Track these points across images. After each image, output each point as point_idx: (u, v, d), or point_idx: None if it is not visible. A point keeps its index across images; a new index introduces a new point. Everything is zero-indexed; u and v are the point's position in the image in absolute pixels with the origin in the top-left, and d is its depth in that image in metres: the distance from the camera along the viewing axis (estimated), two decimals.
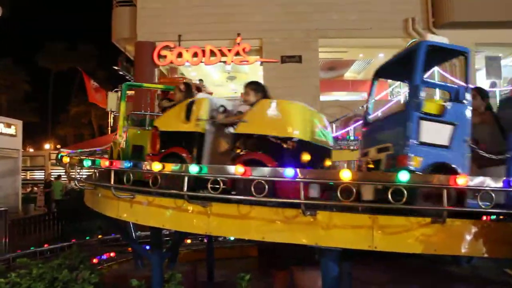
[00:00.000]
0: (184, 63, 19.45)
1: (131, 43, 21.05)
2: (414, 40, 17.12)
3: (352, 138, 13.53)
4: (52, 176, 25.85)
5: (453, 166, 5.10)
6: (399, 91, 17.11)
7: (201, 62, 19.08)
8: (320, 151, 6.08)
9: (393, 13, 18.55)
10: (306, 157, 5.56)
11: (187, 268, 9.28)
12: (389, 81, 20.41)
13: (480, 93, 6.24)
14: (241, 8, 19.18)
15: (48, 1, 60.18)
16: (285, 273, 9.01)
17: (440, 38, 5.67)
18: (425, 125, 5.21)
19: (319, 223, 4.74)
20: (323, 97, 18.96)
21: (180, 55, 19.19)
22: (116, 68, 23.53)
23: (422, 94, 5.23)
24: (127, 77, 23.18)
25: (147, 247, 8.62)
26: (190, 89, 7.28)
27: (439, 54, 5.74)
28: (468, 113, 5.36)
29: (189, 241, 12.48)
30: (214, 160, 6.12)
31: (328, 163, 6.30)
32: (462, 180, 4.28)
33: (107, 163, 6.29)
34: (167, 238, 11.57)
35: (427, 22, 18.76)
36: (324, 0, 18.78)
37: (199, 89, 11.60)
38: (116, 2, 21.95)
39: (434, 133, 5.24)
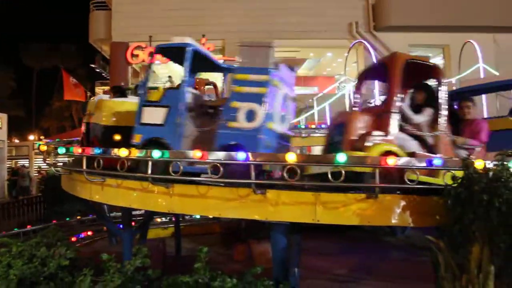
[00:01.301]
0: (154, 61, 19.06)
1: (107, 43, 20.76)
2: (357, 41, 17.36)
3: (303, 126, 13.57)
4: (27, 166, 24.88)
5: (166, 140, 5.90)
6: (345, 85, 17.28)
7: (170, 60, 18.76)
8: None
9: (339, 18, 18.72)
10: (117, 137, 6.92)
11: (157, 244, 9.19)
12: (336, 76, 20.68)
13: None
14: (206, 12, 19.09)
15: (33, 4, 58.20)
16: (244, 246, 9.03)
17: (180, 38, 6.51)
18: (145, 110, 6.17)
19: (268, 200, 4.72)
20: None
21: (151, 54, 18.83)
22: (93, 66, 23.06)
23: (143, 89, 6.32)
24: (103, 74, 22.76)
25: (121, 226, 8.47)
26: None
27: (172, 52, 6.76)
28: (183, 97, 6.03)
29: (159, 220, 12.32)
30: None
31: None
32: (391, 161, 4.32)
33: (79, 150, 6.11)
34: (140, 218, 11.42)
35: (368, 25, 19.01)
36: (281, 5, 18.81)
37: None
38: (93, 6, 21.62)
39: (153, 115, 6.09)
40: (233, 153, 4.65)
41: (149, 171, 5.12)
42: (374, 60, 15.70)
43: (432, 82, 5.92)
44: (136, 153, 5.28)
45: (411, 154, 5.08)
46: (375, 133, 5.21)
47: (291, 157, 4.35)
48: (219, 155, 4.75)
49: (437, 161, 4.51)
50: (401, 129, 5.45)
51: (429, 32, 18.76)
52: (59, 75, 46.08)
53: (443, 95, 5.58)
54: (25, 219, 15.51)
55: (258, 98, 5.55)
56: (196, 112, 6.38)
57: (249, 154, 4.55)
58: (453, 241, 4.56)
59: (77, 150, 6.16)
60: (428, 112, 5.65)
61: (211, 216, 9.33)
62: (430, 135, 5.47)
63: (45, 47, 49.60)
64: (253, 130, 5.46)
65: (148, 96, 6.24)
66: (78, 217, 13.24)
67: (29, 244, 6.37)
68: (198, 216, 11.63)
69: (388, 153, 4.89)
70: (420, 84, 6.06)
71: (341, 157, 4.35)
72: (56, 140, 11.93)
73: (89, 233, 11.48)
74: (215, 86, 8.42)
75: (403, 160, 4.48)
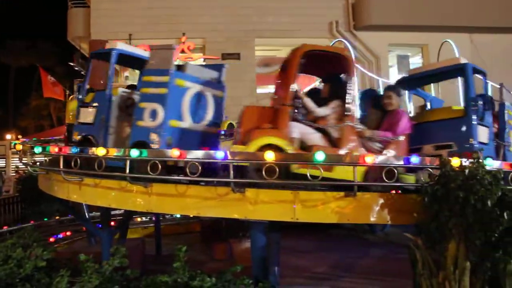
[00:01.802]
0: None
1: (85, 41, 20.37)
2: (337, 40, 17.44)
3: None
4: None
5: (94, 138, 6.38)
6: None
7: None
8: None
9: (320, 17, 18.74)
10: None
11: (137, 243, 9.09)
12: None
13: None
14: (186, 11, 18.92)
15: (9, 1, 56.95)
16: (225, 245, 9.01)
17: (112, 44, 7.08)
18: (81, 111, 6.77)
19: (247, 199, 4.71)
20: (259, 90, 18.98)
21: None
22: (72, 64, 22.71)
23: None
24: (82, 73, 22.44)
25: (100, 226, 8.38)
26: None
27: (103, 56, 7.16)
28: (108, 97, 6.51)
29: (139, 219, 12.20)
30: None
31: None
32: (369, 159, 4.35)
33: (56, 149, 6.02)
34: (120, 217, 11.29)
35: (348, 25, 19.04)
36: (261, 4, 18.75)
37: None
38: (71, 4, 21.29)
39: (86, 115, 6.67)
40: (211, 152, 4.63)
41: (127, 171, 5.06)
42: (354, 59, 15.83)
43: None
44: (113, 152, 5.22)
45: (310, 148, 5.13)
46: (264, 126, 5.28)
47: (269, 156, 4.34)
48: (198, 154, 4.72)
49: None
50: (303, 121, 5.46)
51: (408, 32, 18.89)
52: (37, 73, 45.43)
53: (351, 86, 5.58)
54: (1, 220, 15.19)
55: (159, 98, 5.84)
56: (127, 111, 6.66)
57: (228, 153, 4.54)
58: (430, 238, 4.61)
59: (53, 149, 6.06)
60: (333, 105, 5.59)
61: (191, 215, 9.28)
62: (334, 127, 5.45)
63: (23, 45, 48.63)
64: (154, 128, 5.77)
65: (85, 97, 6.86)
66: (57, 217, 13.03)
67: (5, 245, 6.24)
68: (178, 215, 11.55)
69: (268, 146, 4.99)
70: (327, 76, 6.14)
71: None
72: (33, 139, 11.73)
73: (68, 233, 11.30)
74: None
75: (381, 159, 4.51)
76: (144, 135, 5.79)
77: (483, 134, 5.80)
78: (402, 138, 5.64)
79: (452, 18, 18.74)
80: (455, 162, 4.63)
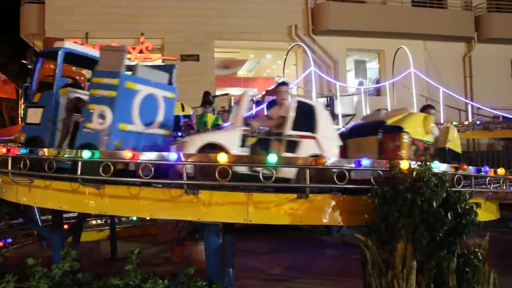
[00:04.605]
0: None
1: (40, 38, 19.65)
2: (296, 43, 17.70)
3: None
4: None
5: (41, 138, 6.36)
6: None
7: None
8: None
9: (279, 20, 18.86)
10: None
11: (91, 247, 8.90)
12: (276, 78, 20.88)
13: None
14: (145, 10, 18.60)
15: None
16: (181, 247, 8.94)
17: (60, 43, 7.03)
18: (29, 111, 6.73)
19: (201, 201, 4.71)
20: (218, 92, 18.93)
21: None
22: (24, 62, 21.93)
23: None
24: None
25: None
26: None
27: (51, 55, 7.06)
28: (54, 97, 6.45)
29: (94, 222, 11.93)
30: None
31: None
32: (321, 161, 4.44)
33: (4, 149, 5.82)
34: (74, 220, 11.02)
35: (307, 29, 19.27)
36: (221, 6, 18.68)
37: None
38: None
39: (33, 115, 6.60)
40: (165, 153, 4.61)
41: (79, 172, 4.96)
42: (312, 63, 16.14)
43: None
44: (65, 154, 5.10)
45: None
46: None
47: (222, 158, 4.36)
48: (151, 156, 4.68)
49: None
50: None
51: (365, 38, 19.37)
52: None
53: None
54: None
55: (108, 101, 5.80)
56: (75, 111, 6.53)
57: (181, 154, 4.52)
58: (380, 239, 4.75)
59: (1, 150, 5.86)
60: None
61: (148, 218, 9.18)
62: None
63: None
64: (101, 131, 5.74)
65: (33, 97, 6.77)
66: (7, 221, 12.57)
67: None
68: (135, 218, 11.37)
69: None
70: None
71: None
72: None
73: (18, 237, 10.91)
74: None
75: (332, 160, 4.61)
76: (92, 137, 5.72)
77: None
78: None
79: (407, 25, 19.39)
80: (404, 164, 4.80)
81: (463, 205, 4.55)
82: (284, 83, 6.68)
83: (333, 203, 4.79)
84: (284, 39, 18.89)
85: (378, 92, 19.53)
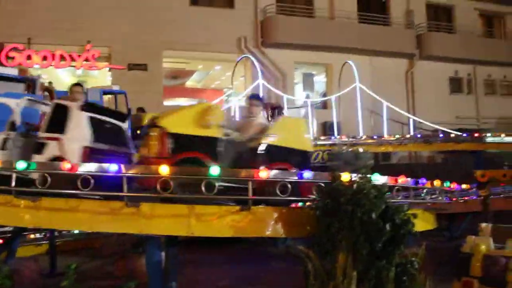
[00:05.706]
0: (33, 65, 17.77)
1: None
2: (244, 56, 17.82)
3: None
4: None
5: None
6: (230, 99, 17.60)
7: (51, 65, 17.63)
8: None
9: (229, 32, 18.90)
10: None
11: (29, 262, 8.51)
12: (224, 89, 20.89)
13: None
14: (93, 16, 18.06)
15: None
16: (124, 261, 8.72)
17: None
18: None
19: (142, 213, 4.60)
20: (166, 102, 18.69)
21: (29, 57, 17.49)
22: None
23: None
24: None
25: None
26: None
27: None
28: None
29: (33, 235, 11.41)
30: None
31: None
32: (263, 174, 4.46)
33: None
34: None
35: (256, 41, 19.44)
36: (170, 17, 18.36)
37: (49, 90, 10.86)
38: None
39: None
40: (104, 164, 4.47)
41: (13, 183, 4.72)
42: (260, 75, 16.31)
43: None
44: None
45: None
46: None
47: (164, 170, 4.29)
48: (90, 167, 4.53)
49: None
50: None
51: (313, 51, 19.80)
52: None
53: None
54: None
55: None
56: None
57: (122, 166, 4.41)
58: (322, 250, 4.82)
59: None
60: None
61: (89, 231, 8.89)
62: None
63: None
64: None
65: None
66: None
67: None
68: (76, 231, 10.96)
69: None
70: None
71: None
72: None
73: None
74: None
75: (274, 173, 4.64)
76: None
77: None
78: None
79: (354, 41, 20.02)
80: (345, 177, 4.90)
81: (401, 216, 4.69)
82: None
83: (276, 215, 4.82)
84: (234, 51, 18.96)
85: (324, 105, 19.94)
